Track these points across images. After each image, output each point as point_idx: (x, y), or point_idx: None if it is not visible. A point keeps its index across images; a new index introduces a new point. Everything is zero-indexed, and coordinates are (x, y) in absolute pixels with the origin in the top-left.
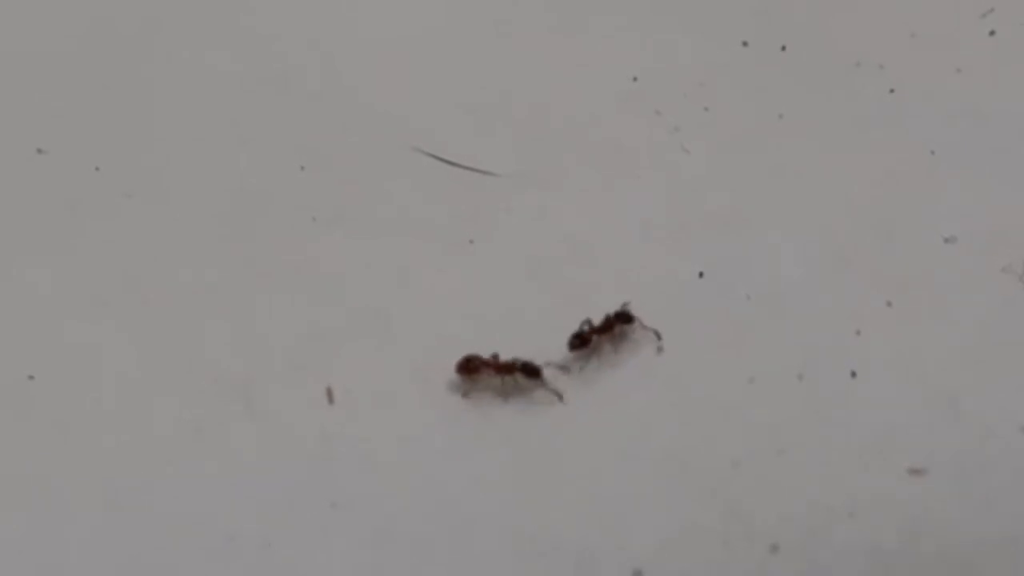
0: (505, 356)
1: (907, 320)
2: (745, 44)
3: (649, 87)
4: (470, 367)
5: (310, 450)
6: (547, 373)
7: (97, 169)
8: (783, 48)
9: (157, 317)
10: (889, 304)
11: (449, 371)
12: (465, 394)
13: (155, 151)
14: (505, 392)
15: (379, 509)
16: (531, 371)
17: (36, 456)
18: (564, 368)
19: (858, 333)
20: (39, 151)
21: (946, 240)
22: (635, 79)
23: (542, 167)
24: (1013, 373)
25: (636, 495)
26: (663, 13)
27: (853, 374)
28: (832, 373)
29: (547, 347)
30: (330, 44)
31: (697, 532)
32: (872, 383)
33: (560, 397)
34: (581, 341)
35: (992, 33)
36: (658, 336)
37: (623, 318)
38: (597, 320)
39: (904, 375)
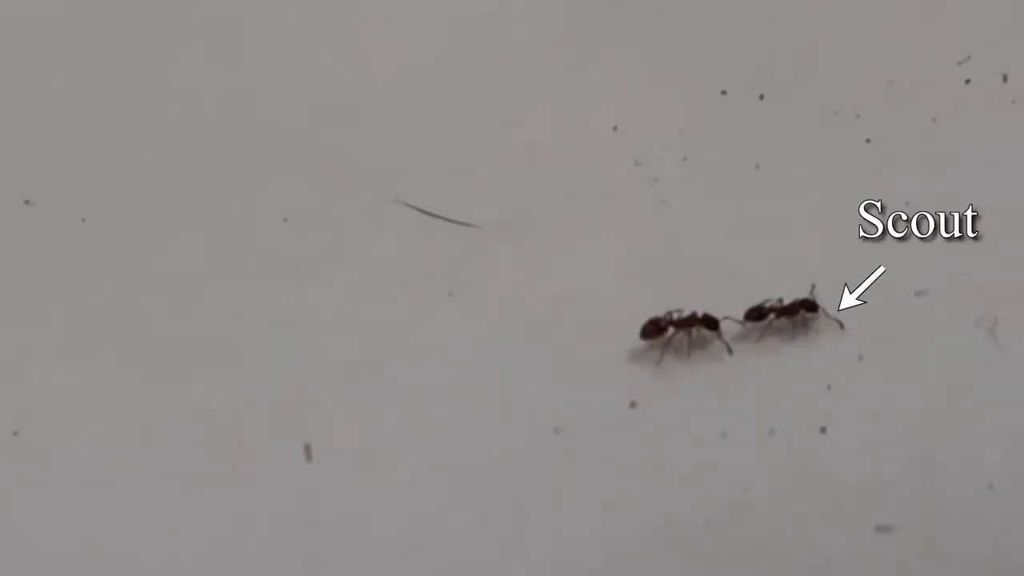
0: (489, 398)
1: (878, 375)
2: (724, 93)
3: (629, 137)
4: (655, 328)
5: (290, 508)
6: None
7: (83, 221)
8: (761, 97)
9: (141, 371)
10: (861, 358)
11: (431, 423)
12: (657, 363)
13: (141, 203)
14: (689, 348)
15: (360, 569)
16: (711, 323)
17: (21, 513)
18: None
19: (829, 388)
20: (26, 202)
21: (918, 293)
22: (615, 128)
23: (522, 218)
24: (983, 429)
25: (609, 553)
26: (644, 62)
27: (823, 429)
28: (803, 428)
29: (530, 396)
30: (313, 93)
31: None
32: (842, 438)
33: (730, 350)
34: (758, 314)
35: (968, 81)
36: (841, 326)
37: (808, 305)
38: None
39: (875, 430)
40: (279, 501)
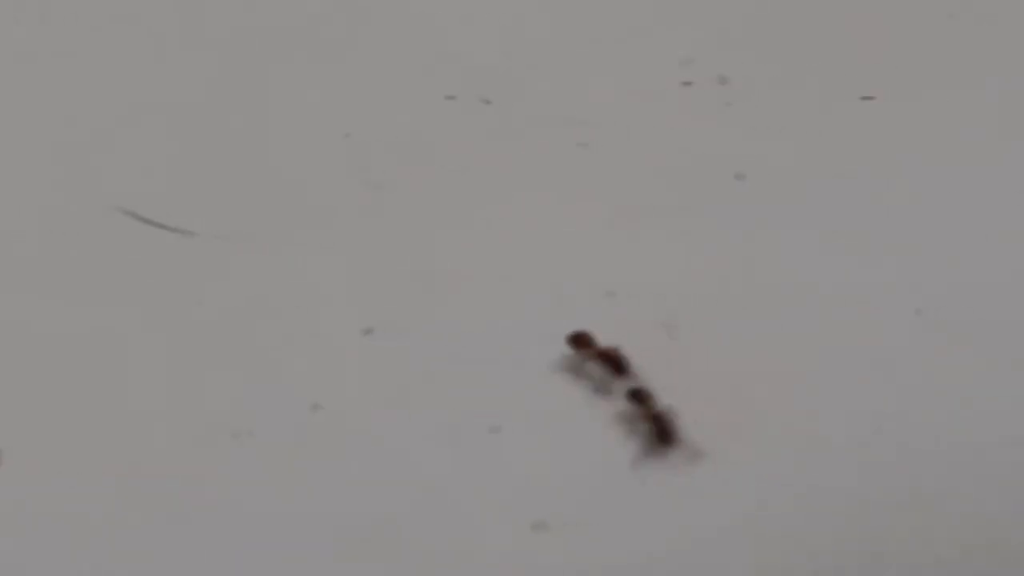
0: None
1: (556, 376)
2: (451, 98)
3: (359, 143)
4: (580, 341)
5: None
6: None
7: None
8: (487, 102)
9: None
10: (542, 358)
11: (120, 427)
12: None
13: None
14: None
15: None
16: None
17: None
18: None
19: (511, 387)
20: None
21: (607, 294)
22: (348, 135)
23: (246, 227)
24: None
25: (290, 554)
26: (374, 67)
27: (493, 429)
28: (474, 429)
29: (213, 401)
30: (28, 97)
31: None
32: (512, 439)
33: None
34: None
35: (687, 84)
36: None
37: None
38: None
39: (544, 429)
40: None
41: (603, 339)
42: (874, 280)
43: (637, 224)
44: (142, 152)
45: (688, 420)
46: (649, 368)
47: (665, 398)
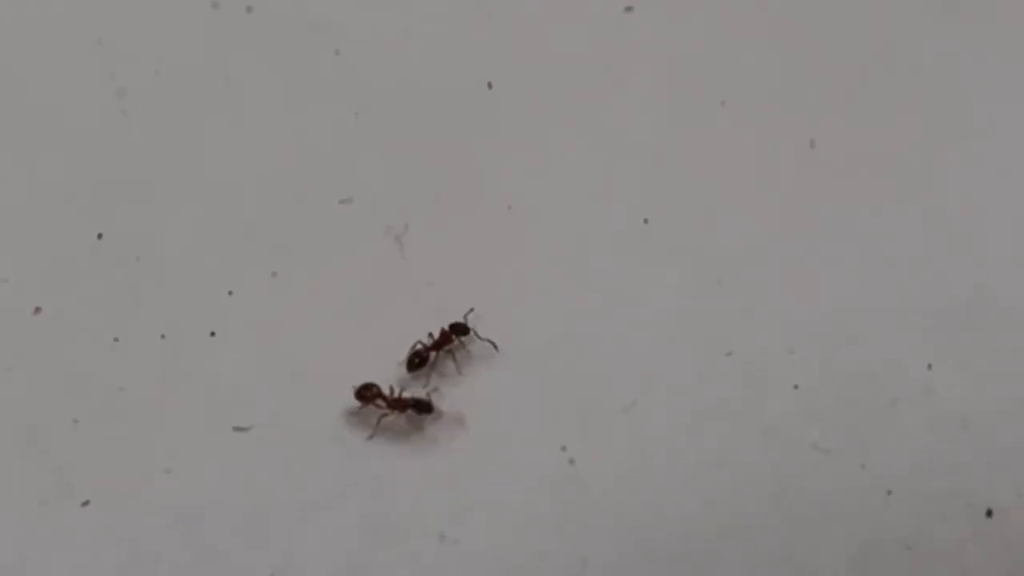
0: None
1: (284, 281)
2: (215, 6)
3: (111, 51)
4: (367, 394)
5: None
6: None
7: None
8: (249, 10)
9: None
10: (274, 274)
11: None
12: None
13: None
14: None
15: None
16: (423, 406)
17: None
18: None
19: (231, 294)
20: None
21: (341, 201)
22: (100, 42)
23: None
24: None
25: None
26: None
27: (212, 334)
28: (193, 333)
29: None
30: None
31: (18, 488)
32: (230, 344)
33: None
34: (420, 360)
35: None
36: (495, 346)
37: (458, 329)
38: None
39: (261, 337)
40: None
41: (332, 246)
42: (602, 191)
43: (380, 130)
44: None
45: (412, 328)
46: (374, 274)
47: (387, 303)
